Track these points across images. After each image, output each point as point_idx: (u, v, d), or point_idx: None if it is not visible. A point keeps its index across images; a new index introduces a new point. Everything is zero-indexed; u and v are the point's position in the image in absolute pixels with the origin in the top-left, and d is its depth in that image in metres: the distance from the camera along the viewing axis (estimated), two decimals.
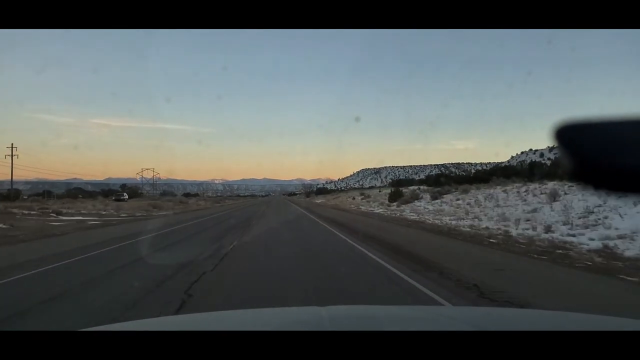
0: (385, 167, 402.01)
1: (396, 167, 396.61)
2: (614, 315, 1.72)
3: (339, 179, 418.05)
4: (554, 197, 16.28)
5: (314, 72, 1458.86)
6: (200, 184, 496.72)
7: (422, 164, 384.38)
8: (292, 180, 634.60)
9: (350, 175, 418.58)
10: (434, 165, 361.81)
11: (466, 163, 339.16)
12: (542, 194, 18.38)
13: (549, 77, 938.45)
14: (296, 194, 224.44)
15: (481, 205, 20.83)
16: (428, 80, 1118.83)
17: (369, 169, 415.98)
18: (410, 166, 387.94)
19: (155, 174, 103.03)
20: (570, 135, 0.60)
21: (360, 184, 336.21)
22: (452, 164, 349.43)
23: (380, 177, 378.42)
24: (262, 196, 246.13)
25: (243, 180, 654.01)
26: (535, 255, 8.34)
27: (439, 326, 1.51)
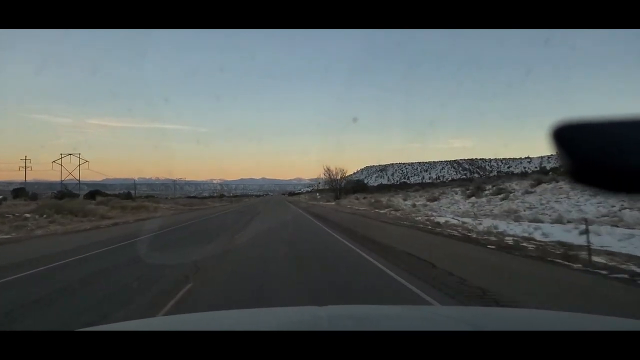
0: (392, 164, 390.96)
1: (404, 163, 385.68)
2: (614, 315, 1.73)
3: (340, 178, 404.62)
4: None
5: (313, 70, 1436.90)
6: (198, 183, 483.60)
7: (432, 160, 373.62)
8: (291, 179, 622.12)
9: (354, 174, 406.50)
10: (446, 161, 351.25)
11: (480, 159, 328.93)
12: None
13: (549, 76, 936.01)
14: (300, 194, 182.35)
15: None
16: (428, 79, 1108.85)
17: (373, 166, 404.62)
18: (419, 163, 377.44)
19: (81, 161, 72.94)
20: (569, 136, 0.60)
21: (366, 182, 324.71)
22: (465, 159, 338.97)
23: (386, 174, 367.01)
24: (258, 196, 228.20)
25: (241, 180, 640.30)
26: None
27: (437, 326, 1.52)
